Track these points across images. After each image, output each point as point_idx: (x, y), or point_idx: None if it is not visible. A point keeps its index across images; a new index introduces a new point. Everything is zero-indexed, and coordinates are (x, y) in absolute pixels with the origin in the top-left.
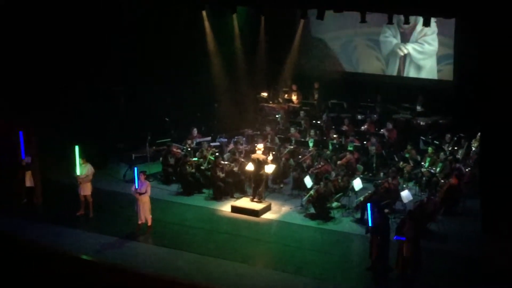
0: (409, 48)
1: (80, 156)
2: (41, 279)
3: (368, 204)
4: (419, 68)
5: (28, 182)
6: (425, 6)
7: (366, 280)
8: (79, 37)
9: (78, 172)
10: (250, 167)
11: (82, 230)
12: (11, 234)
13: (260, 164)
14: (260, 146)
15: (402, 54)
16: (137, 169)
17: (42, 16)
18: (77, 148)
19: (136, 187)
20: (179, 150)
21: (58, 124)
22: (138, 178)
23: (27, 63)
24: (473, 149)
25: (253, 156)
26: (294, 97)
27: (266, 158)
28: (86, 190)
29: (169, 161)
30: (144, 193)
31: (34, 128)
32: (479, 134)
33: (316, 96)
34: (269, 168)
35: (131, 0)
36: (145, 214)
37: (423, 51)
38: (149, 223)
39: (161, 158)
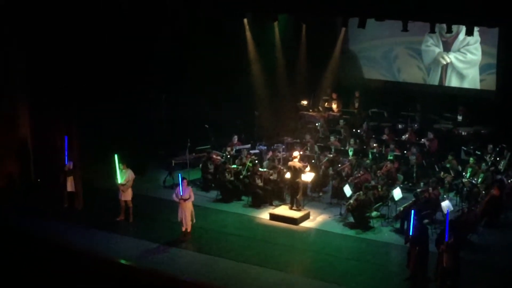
0: (452, 57)
1: (121, 162)
2: (79, 282)
3: (412, 211)
4: (461, 77)
5: (70, 187)
6: (468, 15)
7: None
8: (123, 45)
9: (119, 180)
10: (288, 175)
11: (122, 235)
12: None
13: (296, 172)
14: (296, 154)
15: (444, 63)
16: (181, 175)
17: (87, 24)
18: (116, 156)
19: (181, 193)
20: (218, 157)
21: (101, 129)
22: (182, 184)
23: (73, 69)
24: None
25: (289, 163)
26: (334, 106)
27: (302, 166)
28: (127, 195)
29: (209, 168)
30: (188, 199)
31: (77, 133)
32: None
33: (356, 104)
34: (308, 176)
35: (176, 9)
36: (187, 220)
37: (465, 60)
38: (189, 229)
39: (200, 165)
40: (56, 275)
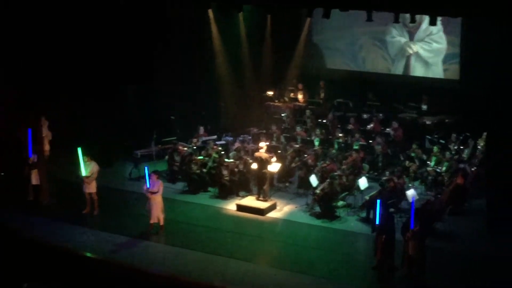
0: (417, 46)
1: (85, 155)
2: (45, 276)
3: (378, 201)
4: (425, 67)
5: (35, 180)
6: (431, 5)
7: (372, 279)
8: (86, 36)
9: (83, 172)
10: (254, 165)
11: (89, 229)
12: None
13: (262, 162)
14: (262, 145)
15: (411, 52)
16: (148, 168)
17: (45, 14)
18: (79, 149)
19: (148, 185)
20: (185, 149)
21: (65, 122)
22: (150, 177)
23: (36, 61)
24: (479, 148)
25: (256, 154)
26: (300, 96)
27: (269, 157)
28: (91, 188)
29: (175, 159)
30: (157, 192)
31: (41, 126)
32: (485, 133)
33: (322, 95)
34: (275, 167)
35: (142, 1)
36: (158, 213)
37: (430, 50)
38: (162, 223)
39: (166, 157)
40: (21, 268)
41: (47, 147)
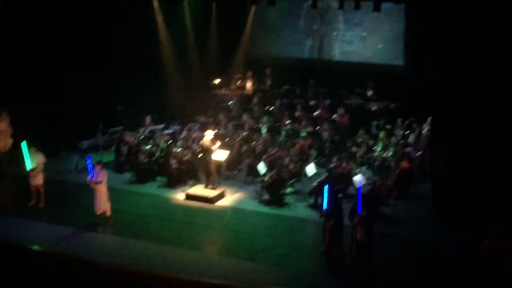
0: (362, 33)
1: (31, 146)
2: None
3: (326, 186)
4: (370, 52)
5: None
6: None
7: (321, 265)
8: (29, 29)
9: (29, 166)
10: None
11: (35, 221)
12: None
13: (207, 150)
14: (207, 133)
15: (355, 39)
16: (90, 158)
17: None
18: (24, 143)
19: (91, 175)
20: (132, 139)
21: (10, 114)
22: (94, 168)
23: None
24: (424, 133)
25: (200, 142)
26: (249, 84)
27: (212, 145)
28: (38, 180)
29: (122, 149)
30: (101, 183)
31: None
32: (429, 118)
33: (268, 82)
34: (223, 155)
35: None
36: (103, 204)
37: (375, 36)
38: (108, 213)
39: (113, 147)
40: None
41: (9, 141)
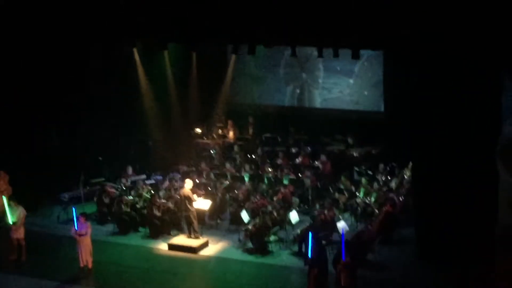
0: (342, 80)
1: (12, 200)
2: None
3: (310, 233)
4: (351, 99)
5: None
6: (354, 39)
7: None
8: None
9: (10, 220)
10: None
11: (18, 275)
12: None
13: (188, 199)
14: (187, 182)
15: (335, 86)
16: (75, 210)
17: None
18: (4, 198)
19: (76, 228)
20: (113, 189)
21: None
22: (78, 220)
23: None
24: (406, 178)
25: (180, 192)
26: (230, 133)
27: (193, 193)
28: (19, 233)
29: (104, 200)
30: (85, 235)
31: None
32: (410, 163)
33: (250, 130)
34: (205, 204)
35: (62, 38)
36: (87, 256)
37: (356, 83)
38: (90, 266)
39: (95, 198)
40: None
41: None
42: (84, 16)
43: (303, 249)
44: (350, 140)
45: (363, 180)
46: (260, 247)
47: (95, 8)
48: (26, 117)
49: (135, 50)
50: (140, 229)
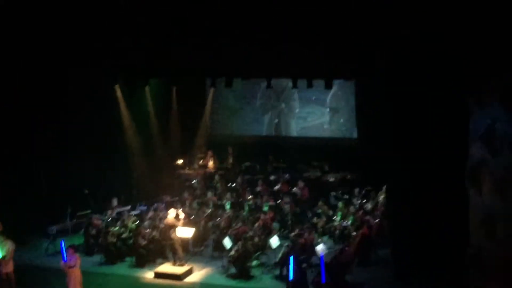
0: (317, 109)
1: (0, 234)
2: None
3: (290, 257)
4: (326, 127)
5: None
6: (326, 70)
7: None
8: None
9: (0, 254)
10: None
11: None
12: None
13: (172, 228)
14: (170, 211)
15: (310, 115)
16: (64, 242)
17: None
18: None
19: (64, 260)
20: (99, 221)
21: None
22: (67, 252)
23: None
24: (380, 201)
25: (164, 221)
26: (210, 163)
27: (176, 222)
28: (8, 267)
29: (91, 232)
30: (74, 267)
31: None
32: (384, 186)
33: (230, 159)
34: (189, 232)
35: (44, 79)
36: (76, 287)
37: (331, 111)
38: None
39: (82, 230)
40: None
41: None
42: (66, 51)
43: (285, 273)
44: (326, 167)
45: (340, 204)
46: (243, 272)
47: (76, 45)
48: (13, 155)
49: (117, 87)
50: (127, 258)
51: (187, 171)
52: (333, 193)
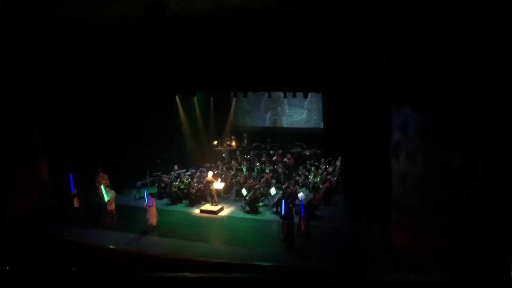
0: (299, 110)
1: (107, 186)
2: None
3: (283, 200)
4: (304, 121)
5: (76, 204)
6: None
7: (282, 247)
8: (111, 110)
9: (106, 198)
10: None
11: (110, 230)
12: (67, 238)
13: (210, 183)
14: (210, 173)
15: (295, 114)
16: (146, 191)
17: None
18: (102, 186)
19: (146, 202)
20: (166, 179)
21: (93, 166)
22: (147, 196)
23: (75, 135)
24: (337, 166)
25: (207, 178)
26: (234, 143)
27: (213, 179)
28: (111, 206)
29: (161, 185)
30: (151, 206)
31: (79, 171)
32: (340, 157)
33: (245, 141)
34: (220, 185)
35: (126, 93)
36: (153, 218)
37: (308, 111)
38: (154, 224)
39: (156, 184)
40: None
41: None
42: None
43: (279, 210)
44: (304, 145)
45: (313, 168)
46: (254, 210)
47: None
48: (121, 143)
49: (177, 97)
50: (183, 201)
51: (219, 148)
52: (308, 162)
